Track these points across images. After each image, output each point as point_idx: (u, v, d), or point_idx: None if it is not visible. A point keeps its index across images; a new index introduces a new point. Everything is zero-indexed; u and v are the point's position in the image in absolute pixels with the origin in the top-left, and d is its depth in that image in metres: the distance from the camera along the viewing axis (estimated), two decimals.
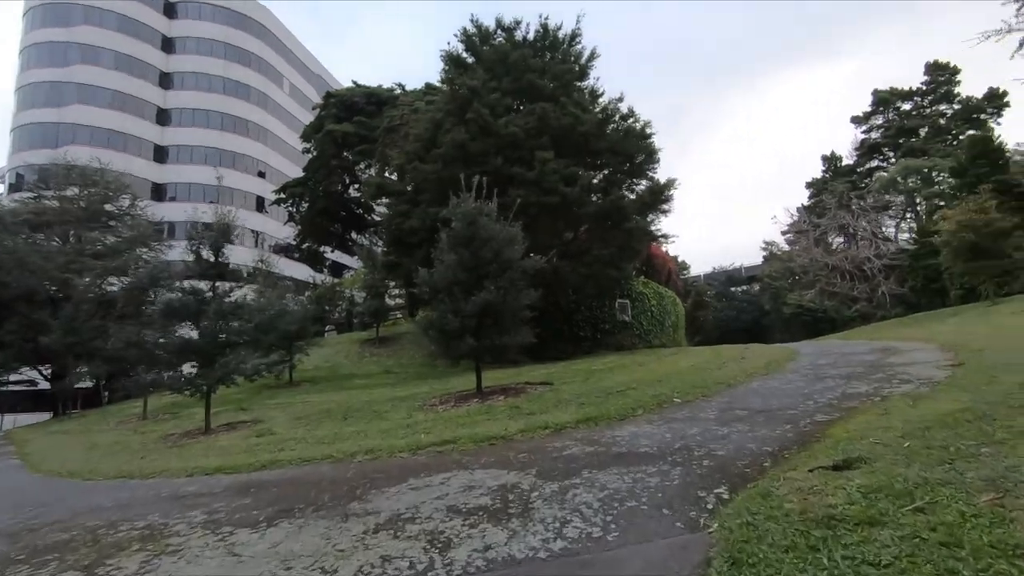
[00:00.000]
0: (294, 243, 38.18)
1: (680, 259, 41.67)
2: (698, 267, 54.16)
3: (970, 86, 49.01)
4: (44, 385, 24.84)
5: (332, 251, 41.03)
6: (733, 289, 48.92)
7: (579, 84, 18.70)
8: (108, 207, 26.23)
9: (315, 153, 34.35)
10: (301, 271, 44.79)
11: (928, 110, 44.07)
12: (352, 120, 32.89)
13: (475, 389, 9.99)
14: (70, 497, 6.27)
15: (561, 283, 16.20)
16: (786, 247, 42.20)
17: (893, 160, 43.01)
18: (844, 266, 34.72)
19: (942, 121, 43.08)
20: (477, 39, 18.08)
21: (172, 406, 15.46)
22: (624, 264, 17.46)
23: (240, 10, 52.90)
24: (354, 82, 36.05)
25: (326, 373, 20.04)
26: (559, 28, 18.30)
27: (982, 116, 40.99)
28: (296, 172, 41.45)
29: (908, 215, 39.52)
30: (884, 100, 45.92)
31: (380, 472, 5.39)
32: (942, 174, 34.68)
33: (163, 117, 49.16)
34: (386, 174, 25.71)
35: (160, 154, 48.29)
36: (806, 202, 44.86)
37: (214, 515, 4.51)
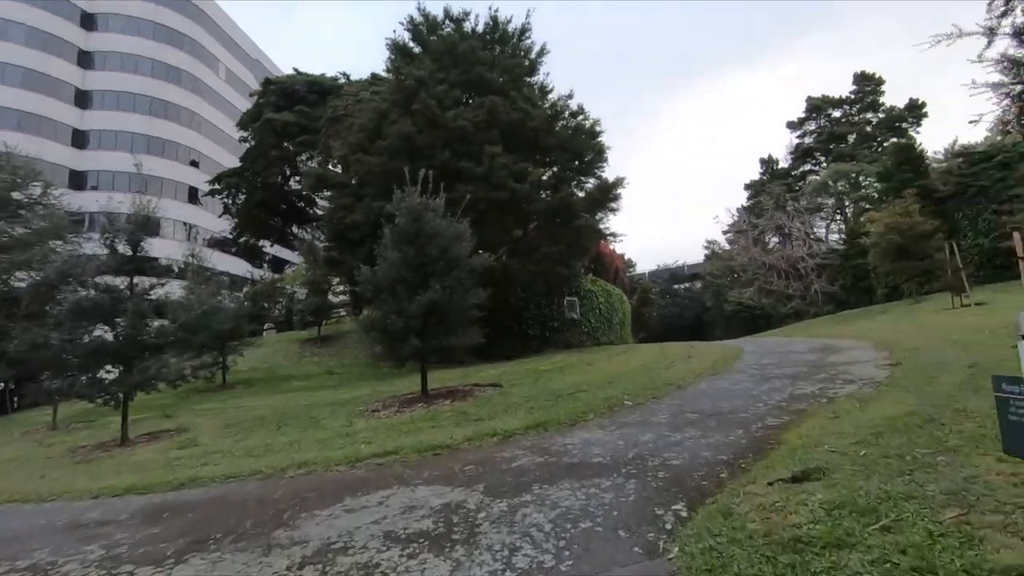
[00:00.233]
0: (230, 237, 36.19)
1: (626, 257, 42.27)
2: (643, 265, 55.28)
3: (893, 96, 52.07)
4: None
5: (272, 245, 39.23)
6: (676, 287, 50.22)
7: (529, 79, 18.44)
8: (16, 195, 23.85)
9: (253, 142, 32.65)
10: (238, 266, 42.58)
11: (856, 118, 46.58)
12: (293, 109, 31.43)
13: (420, 392, 9.57)
14: None
15: (510, 281, 15.92)
16: (727, 246, 43.62)
17: (825, 164, 45.22)
18: (780, 265, 36.20)
19: (868, 128, 45.68)
20: (424, 28, 17.50)
21: (87, 414, 14.16)
22: (574, 262, 17.37)
23: None
24: (295, 69, 34.50)
25: (263, 375, 18.98)
26: (508, 22, 17.97)
27: (903, 125, 43.74)
28: (232, 162, 39.29)
29: (838, 217, 41.64)
30: (817, 107, 48.23)
31: (313, 490, 4.92)
32: (869, 178, 36.68)
33: (83, 99, 45.43)
34: (330, 166, 24.67)
35: (79, 139, 44.58)
36: (746, 203, 46.54)
37: (114, 550, 3.93)
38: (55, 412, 13.23)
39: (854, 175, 39.04)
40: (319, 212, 30.02)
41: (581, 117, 17.30)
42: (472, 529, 3.47)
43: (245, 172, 32.99)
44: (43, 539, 4.45)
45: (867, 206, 33.40)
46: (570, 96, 17.52)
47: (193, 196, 47.61)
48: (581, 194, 17.43)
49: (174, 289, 15.95)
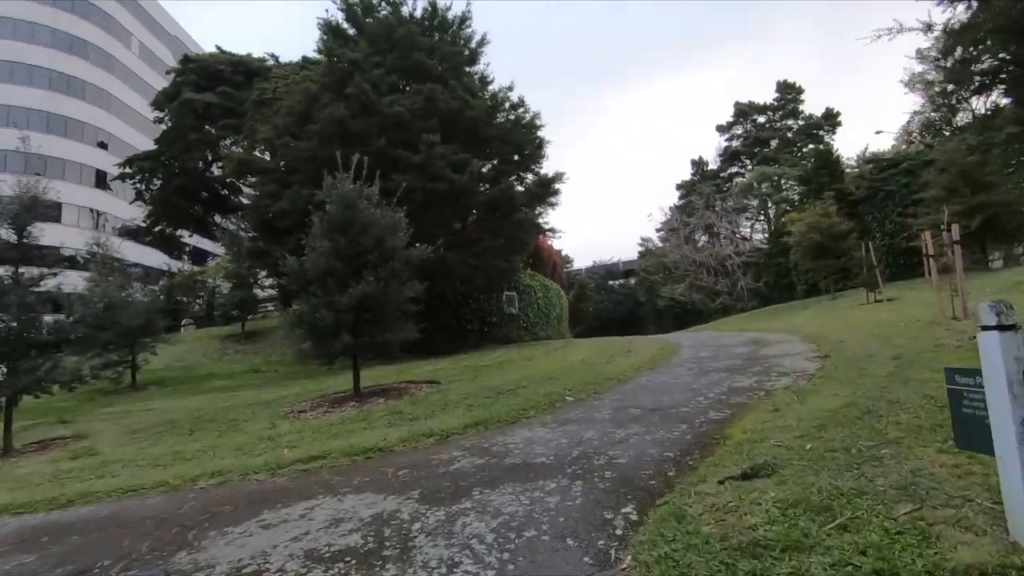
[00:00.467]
0: (144, 225, 33.46)
1: (563, 253, 42.70)
2: (580, 262, 56.11)
3: (812, 104, 55.37)
4: None
5: (191, 236, 36.69)
6: (611, 282, 51.30)
7: (469, 69, 18.04)
8: None
9: (170, 124, 30.29)
10: (154, 257, 39.53)
11: (778, 124, 49.20)
12: (216, 90, 29.39)
13: (352, 390, 9.05)
14: None
15: (449, 275, 15.51)
16: (660, 244, 44.96)
17: (750, 167, 47.52)
18: (710, 262, 37.71)
19: (789, 134, 48.37)
20: (359, 9, 16.70)
21: None
22: (514, 256, 17.19)
23: None
24: (218, 48, 32.28)
25: (179, 374, 17.61)
26: (448, 8, 17.47)
27: (820, 132, 46.64)
28: (147, 144, 36.34)
29: (762, 217, 43.89)
30: (743, 112, 50.56)
31: (227, 503, 4.40)
32: (790, 181, 38.84)
33: None
34: (256, 152, 23.22)
35: None
36: (678, 202, 48.16)
37: None
38: None
39: (776, 178, 41.24)
40: (244, 200, 28.26)
41: (521, 110, 17.11)
42: (406, 543, 3.13)
43: (161, 156, 30.59)
44: None
45: (788, 208, 35.35)
46: (510, 88, 17.28)
47: (101, 180, 43.72)
48: (521, 188, 17.26)
49: (75, 281, 14.45)
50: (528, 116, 17.03)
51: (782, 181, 40.60)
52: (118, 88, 47.84)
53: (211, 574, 3.03)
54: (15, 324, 7.95)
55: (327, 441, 6.12)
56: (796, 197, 34.76)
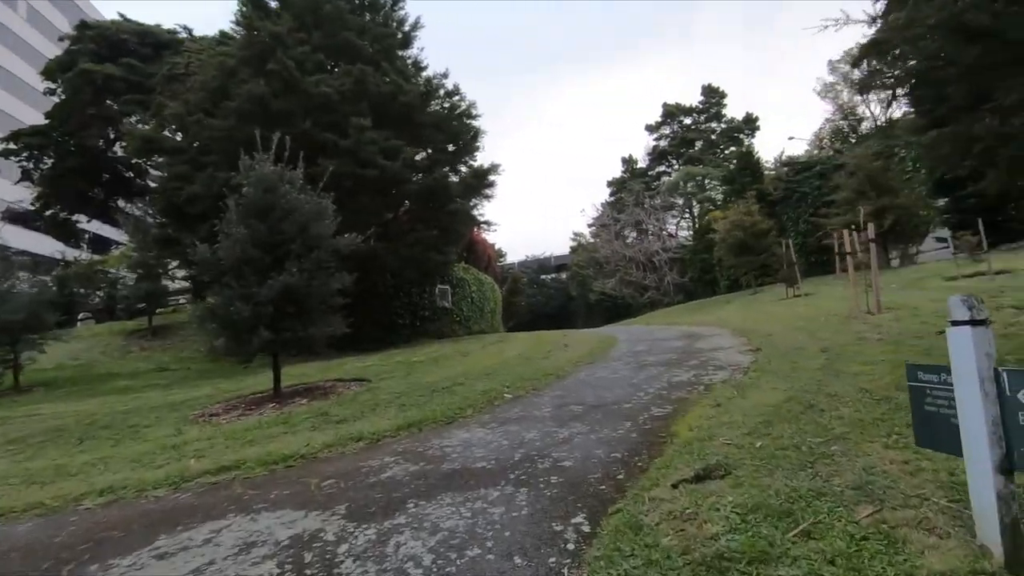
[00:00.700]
0: (34, 208, 30.00)
1: (497, 247, 42.53)
2: (513, 256, 56.15)
3: (734, 108, 58.15)
4: None
5: (90, 221, 33.34)
6: (543, 277, 51.73)
7: (402, 53, 17.34)
8: None
9: (64, 96, 27.26)
10: (47, 245, 35.60)
11: (703, 126, 51.38)
12: (119, 62, 26.75)
13: (272, 390, 8.34)
14: None
15: (379, 266, 14.85)
16: (592, 239, 45.75)
17: (677, 166, 49.30)
18: (639, 258, 38.76)
19: (713, 136, 50.64)
20: None
21: None
22: (448, 248, 16.73)
23: None
24: (121, 15, 29.37)
25: (73, 374, 15.83)
26: None
27: (741, 135, 49.13)
28: (36, 118, 32.58)
29: (687, 215, 45.64)
30: (671, 113, 52.36)
31: (116, 527, 3.78)
32: (713, 181, 40.60)
33: None
34: (167, 132, 21.30)
35: None
36: (609, 198, 49.19)
37: None
38: None
39: (700, 177, 42.99)
40: (152, 184, 25.95)
41: (457, 98, 16.65)
42: (330, 571, 2.73)
43: (53, 132, 27.47)
44: None
45: (711, 207, 36.96)
46: (445, 75, 16.76)
47: None
48: (456, 179, 16.81)
49: None
50: (464, 105, 16.62)
51: (706, 181, 42.37)
52: (1, 54, 42.67)
53: None
54: None
55: (241, 448, 5.51)
56: (719, 196, 36.38)
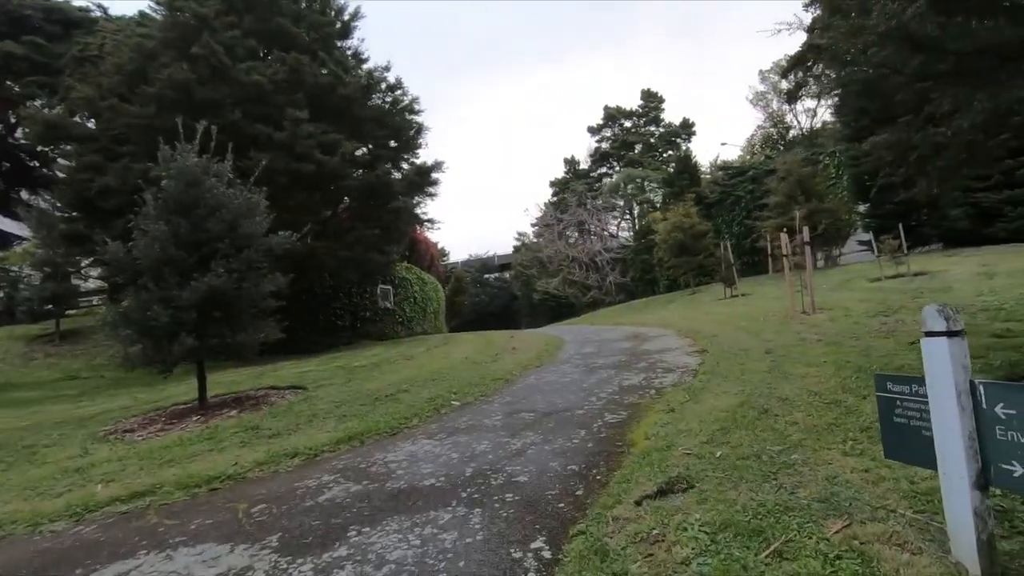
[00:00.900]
0: None
1: (440, 246, 41.91)
2: (455, 255, 55.57)
3: (672, 113, 60.01)
4: None
5: None
6: (487, 276, 51.50)
7: (341, 44, 16.63)
8: None
9: None
10: None
11: (643, 129, 52.65)
12: (21, 39, 24.28)
13: (197, 401, 7.68)
14: None
15: (317, 266, 14.15)
16: (535, 239, 45.91)
17: (618, 168, 50.30)
18: (582, 258, 39.21)
19: (652, 140, 51.99)
20: None
21: None
22: (390, 247, 16.20)
23: None
24: None
25: None
26: None
27: (678, 139, 50.75)
28: None
29: (627, 216, 46.65)
30: (612, 116, 53.37)
31: None
32: (652, 184, 41.69)
33: None
34: (77, 118, 19.49)
35: None
36: (552, 199, 49.55)
37: None
38: None
39: (640, 180, 44.05)
40: (60, 174, 23.74)
41: (399, 92, 16.11)
42: None
43: None
44: None
45: (651, 208, 37.92)
46: (387, 68, 16.15)
47: None
48: (398, 175, 16.30)
49: None
50: (407, 99, 16.10)
51: (646, 183, 43.46)
52: None
53: None
54: None
55: (159, 470, 4.96)
56: (658, 199, 37.40)
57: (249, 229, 7.43)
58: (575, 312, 34.21)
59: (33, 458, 6.00)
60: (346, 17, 16.47)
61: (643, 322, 13.55)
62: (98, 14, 26.18)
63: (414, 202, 16.67)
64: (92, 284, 25.47)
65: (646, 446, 3.92)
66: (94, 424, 7.48)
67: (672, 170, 32.21)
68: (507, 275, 50.90)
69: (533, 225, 47.04)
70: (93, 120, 15.78)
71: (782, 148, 36.40)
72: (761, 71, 39.80)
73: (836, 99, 21.07)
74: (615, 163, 52.01)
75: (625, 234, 45.14)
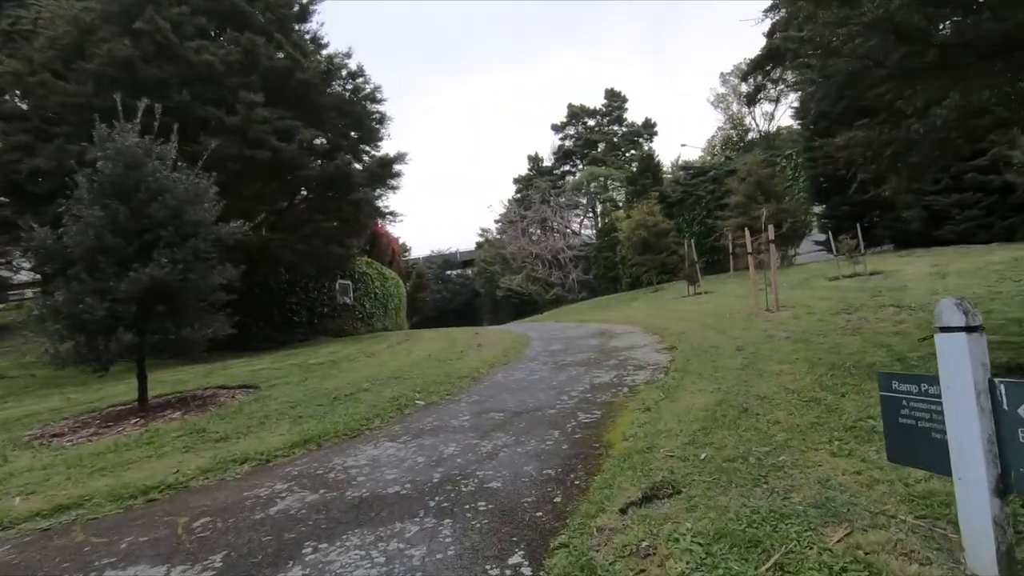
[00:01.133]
0: None
1: (401, 241, 41.16)
2: (417, 251, 54.77)
3: (634, 113, 60.55)
4: None
5: None
6: (449, 272, 50.96)
7: (299, 27, 15.93)
8: None
9: None
10: None
11: (606, 128, 53.06)
12: None
13: (137, 401, 7.10)
14: None
15: (272, 259, 13.49)
16: (498, 235, 45.64)
17: (581, 166, 50.55)
18: (545, 255, 39.18)
19: (615, 139, 52.46)
20: None
21: None
22: (350, 240, 15.65)
23: None
24: None
25: None
26: None
27: (641, 139, 51.38)
28: None
29: (590, 213, 46.95)
30: (576, 114, 53.57)
31: None
32: (615, 182, 42.06)
33: None
34: (7, 97, 18.04)
35: None
36: (515, 195, 49.36)
37: None
38: None
39: (603, 178, 44.38)
40: None
41: (361, 79, 15.56)
42: None
43: None
44: None
45: (613, 207, 38.24)
46: (348, 55, 15.56)
47: None
48: (360, 166, 15.74)
49: None
50: (369, 88, 15.58)
51: (608, 182, 43.80)
52: None
53: None
54: None
55: (88, 480, 4.47)
56: (621, 197, 37.72)
57: (196, 216, 6.90)
58: (538, 309, 34.16)
59: None
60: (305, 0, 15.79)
61: (608, 319, 13.49)
62: None
63: (376, 194, 16.16)
64: (26, 276, 23.81)
65: (625, 448, 3.72)
66: (18, 428, 6.81)
67: (635, 169, 32.49)
68: (470, 272, 50.47)
69: (497, 222, 46.72)
70: (23, 97, 14.59)
71: (741, 148, 37.28)
72: (722, 73, 40.72)
73: (799, 99, 21.67)
74: (578, 161, 52.27)
75: (588, 232, 45.41)
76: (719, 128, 40.60)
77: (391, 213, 18.43)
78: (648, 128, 50.92)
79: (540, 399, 5.58)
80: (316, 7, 16.04)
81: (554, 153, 53.66)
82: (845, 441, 3.25)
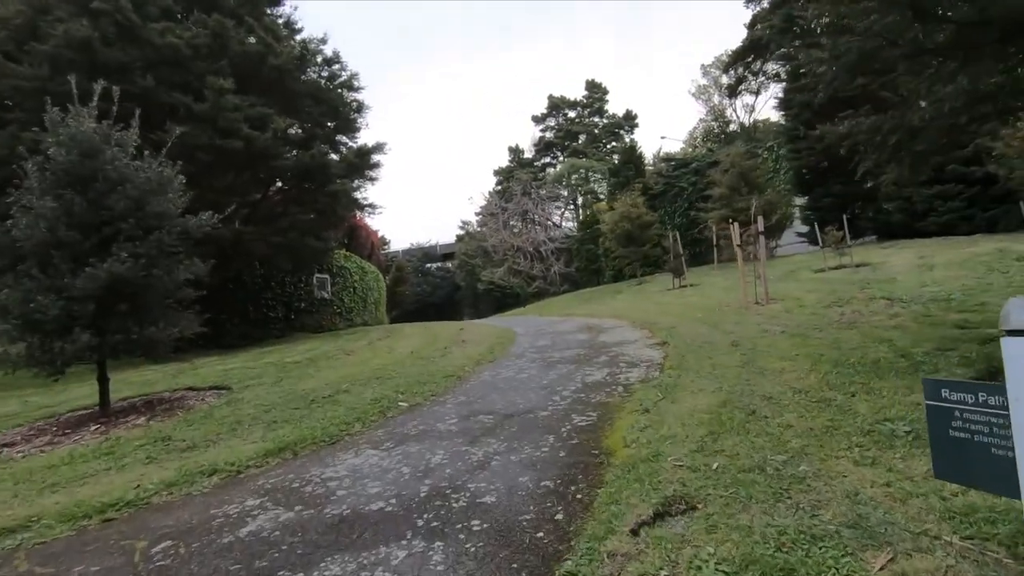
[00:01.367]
0: None
1: (381, 234, 40.44)
2: (396, 244, 54.00)
3: (616, 104, 60.16)
4: None
5: None
6: (429, 265, 50.36)
7: (271, 11, 15.30)
8: None
9: None
10: None
11: (587, 120, 52.79)
12: None
13: (98, 406, 6.64)
14: None
15: (246, 253, 12.96)
16: (479, 228, 45.18)
17: (562, 158, 50.25)
18: (527, 248, 38.89)
19: (596, 131, 52.24)
20: None
21: None
22: (327, 233, 15.16)
23: None
24: None
25: None
26: None
27: (622, 131, 51.23)
28: None
29: (572, 206, 46.75)
30: (556, 106, 53.19)
31: None
32: (596, 174, 41.89)
33: None
34: None
35: None
36: (496, 187, 48.91)
37: None
38: None
39: (584, 171, 44.18)
40: None
41: (337, 66, 15.02)
42: None
43: None
44: None
45: (595, 199, 38.07)
46: (324, 40, 15.01)
47: None
48: (336, 156, 15.22)
49: None
50: (345, 75, 15.05)
51: (590, 174, 43.62)
52: None
53: None
54: None
55: (38, 497, 4.07)
56: (602, 189, 37.55)
57: (159, 208, 6.44)
58: (520, 302, 33.89)
59: None
60: None
61: (594, 313, 13.26)
62: None
63: (354, 186, 15.65)
64: None
65: (628, 455, 3.45)
66: None
67: (617, 161, 32.30)
68: (450, 265, 49.95)
69: (477, 214, 46.28)
70: None
71: (723, 140, 37.36)
72: (703, 65, 40.73)
73: (785, 90, 21.66)
74: (559, 153, 51.96)
75: (569, 224, 45.22)
76: (700, 120, 40.63)
77: (370, 205, 17.90)
78: (629, 120, 50.81)
79: (531, 400, 5.30)
80: None
81: (535, 145, 53.27)
82: (866, 448, 3.02)
